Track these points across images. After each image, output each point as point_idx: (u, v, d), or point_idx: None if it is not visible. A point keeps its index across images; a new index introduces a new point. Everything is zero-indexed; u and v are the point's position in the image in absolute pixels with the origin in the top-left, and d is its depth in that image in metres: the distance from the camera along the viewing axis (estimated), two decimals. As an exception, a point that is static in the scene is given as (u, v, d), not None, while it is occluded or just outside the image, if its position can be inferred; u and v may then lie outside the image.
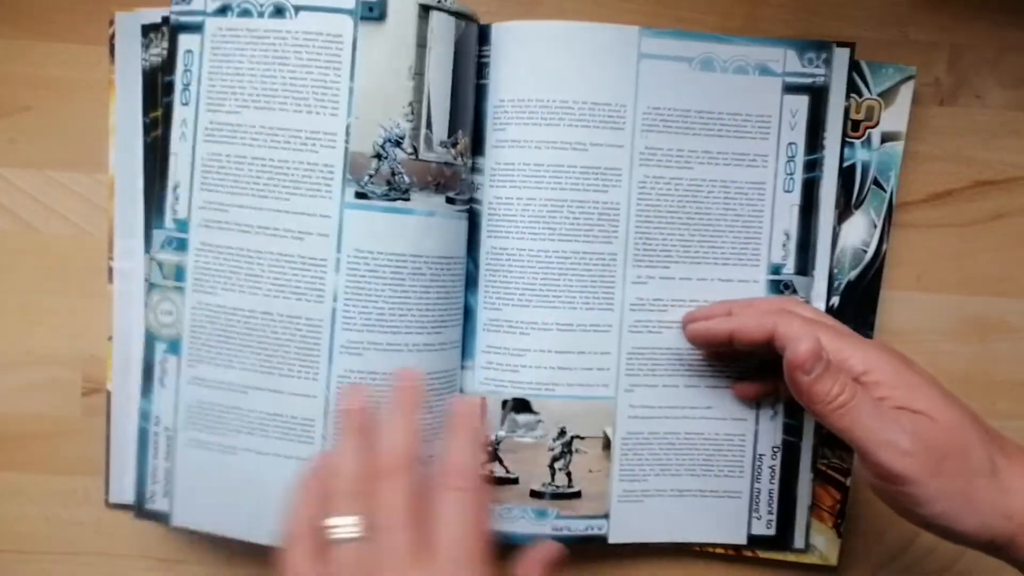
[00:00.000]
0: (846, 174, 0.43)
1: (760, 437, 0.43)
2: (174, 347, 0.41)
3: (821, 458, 0.43)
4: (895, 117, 0.43)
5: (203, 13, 0.39)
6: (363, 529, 0.32)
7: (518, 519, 0.42)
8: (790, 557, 0.44)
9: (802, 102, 0.42)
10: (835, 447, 0.43)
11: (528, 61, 0.41)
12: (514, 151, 0.41)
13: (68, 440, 0.45)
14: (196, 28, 0.39)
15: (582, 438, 0.42)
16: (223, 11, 0.39)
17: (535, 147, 0.41)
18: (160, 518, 0.42)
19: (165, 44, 0.40)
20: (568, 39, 0.40)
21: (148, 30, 0.42)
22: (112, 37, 0.43)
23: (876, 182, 0.43)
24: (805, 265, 0.42)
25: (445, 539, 0.31)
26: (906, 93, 0.42)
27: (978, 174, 0.44)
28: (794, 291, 0.42)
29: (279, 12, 0.38)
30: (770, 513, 0.43)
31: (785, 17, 0.44)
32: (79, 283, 0.44)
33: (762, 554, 0.44)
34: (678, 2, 0.44)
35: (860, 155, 0.43)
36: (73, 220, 0.45)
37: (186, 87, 0.39)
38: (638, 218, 0.41)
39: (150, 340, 0.41)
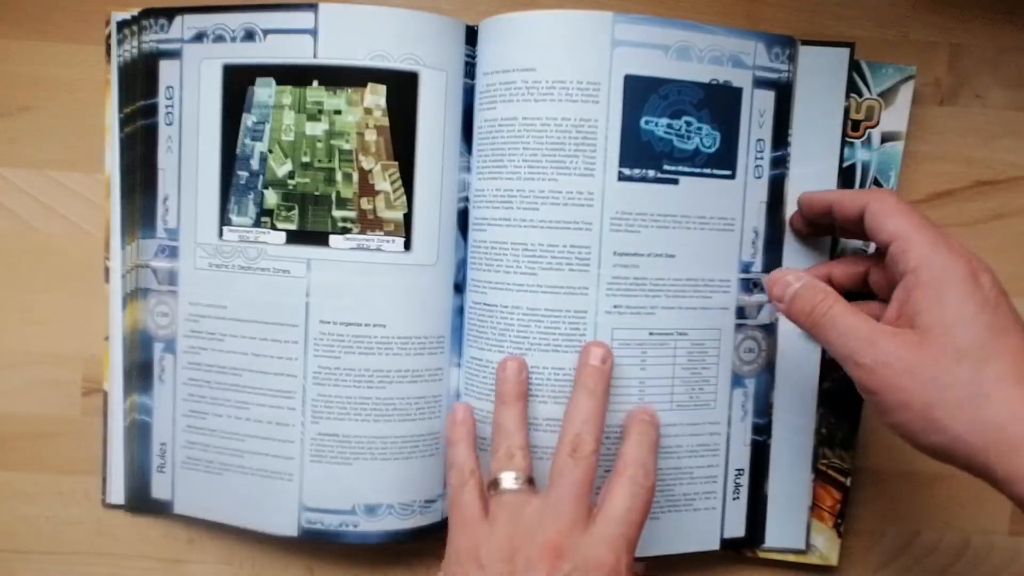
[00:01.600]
0: (846, 174, 0.42)
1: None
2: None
3: (821, 458, 0.43)
4: (895, 117, 0.43)
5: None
6: (524, 485, 0.36)
7: None
8: (790, 557, 0.44)
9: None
10: (835, 447, 0.43)
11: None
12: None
13: (68, 440, 0.45)
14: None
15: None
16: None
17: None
18: (163, 508, 0.43)
19: (136, 41, 0.42)
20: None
21: (122, 27, 0.43)
22: (108, 37, 0.43)
23: (876, 182, 0.43)
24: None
25: (605, 517, 0.34)
26: (906, 93, 0.42)
27: (978, 174, 0.44)
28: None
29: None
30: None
31: (785, 17, 0.44)
32: (79, 283, 0.44)
33: (762, 554, 0.44)
34: (678, 2, 0.44)
35: (860, 155, 0.43)
36: (73, 220, 0.45)
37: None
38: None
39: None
